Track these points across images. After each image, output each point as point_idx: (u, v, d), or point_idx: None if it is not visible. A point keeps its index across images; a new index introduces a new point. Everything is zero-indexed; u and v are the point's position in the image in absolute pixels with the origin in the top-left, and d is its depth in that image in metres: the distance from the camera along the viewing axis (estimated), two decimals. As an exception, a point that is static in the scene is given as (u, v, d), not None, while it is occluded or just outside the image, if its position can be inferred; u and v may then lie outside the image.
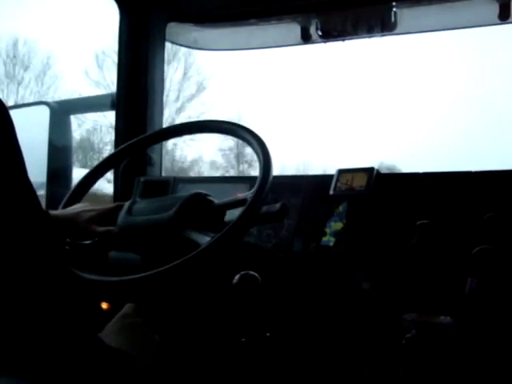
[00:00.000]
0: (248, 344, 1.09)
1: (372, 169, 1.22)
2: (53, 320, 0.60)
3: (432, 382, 0.86)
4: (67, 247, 1.18)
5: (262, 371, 1.11)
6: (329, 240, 1.22)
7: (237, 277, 1.09)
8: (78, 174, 1.55)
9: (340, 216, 1.23)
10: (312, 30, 1.61)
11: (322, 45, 1.65)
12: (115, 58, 1.70)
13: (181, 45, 1.85)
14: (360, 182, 1.21)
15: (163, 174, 1.74)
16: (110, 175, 1.63)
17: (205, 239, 1.03)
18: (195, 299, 1.29)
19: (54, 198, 1.56)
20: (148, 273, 1.00)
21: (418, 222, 1.08)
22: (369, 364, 1.10)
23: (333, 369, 1.16)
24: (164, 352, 0.86)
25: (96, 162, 1.38)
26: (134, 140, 1.36)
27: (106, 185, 1.87)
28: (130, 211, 1.19)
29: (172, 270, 0.99)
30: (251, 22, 1.69)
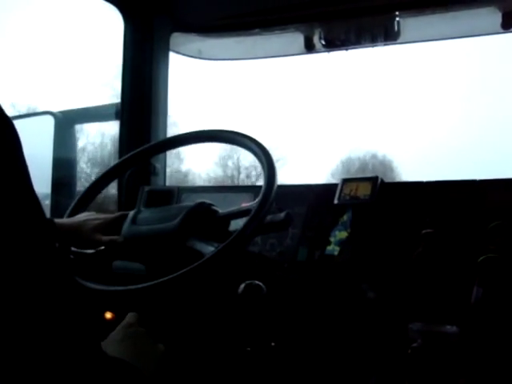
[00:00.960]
0: (253, 353, 1.09)
1: (376, 178, 1.22)
2: (55, 330, 0.60)
3: (438, 392, 0.86)
4: (72, 256, 1.18)
5: (267, 381, 1.10)
6: (333, 249, 1.22)
7: (242, 286, 1.08)
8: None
9: (344, 225, 1.22)
10: (315, 39, 1.61)
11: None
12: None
13: (185, 55, 1.86)
14: (364, 190, 1.21)
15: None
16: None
17: (209, 249, 1.03)
18: (200, 309, 1.29)
19: (58, 208, 1.56)
20: (153, 282, 1.00)
21: (423, 231, 1.08)
22: (375, 373, 1.09)
23: (338, 378, 1.15)
24: (168, 361, 0.86)
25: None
26: (138, 150, 1.36)
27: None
28: (134, 220, 1.19)
29: (177, 279, 0.99)
30: (255, 31, 1.69)
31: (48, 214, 1.55)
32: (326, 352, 1.17)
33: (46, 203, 1.59)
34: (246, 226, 1.01)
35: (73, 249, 1.19)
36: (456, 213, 1.13)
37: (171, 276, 0.99)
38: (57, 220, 1.18)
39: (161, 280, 1.00)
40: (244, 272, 1.18)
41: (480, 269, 0.96)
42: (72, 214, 1.25)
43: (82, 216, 1.22)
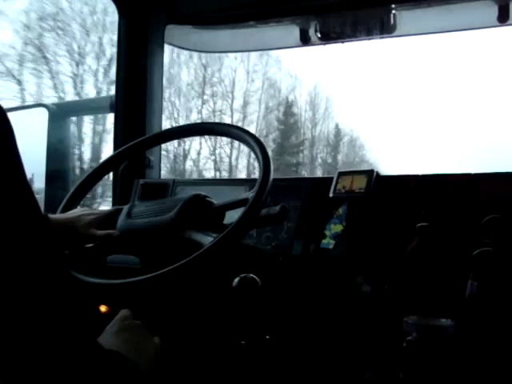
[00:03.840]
0: (248, 347, 1.09)
1: (372, 171, 1.22)
2: (51, 324, 0.60)
3: (433, 385, 0.86)
4: (67, 251, 1.18)
5: (262, 374, 1.10)
6: (328, 242, 1.22)
7: (236, 279, 1.08)
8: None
9: (340, 218, 1.22)
10: (311, 32, 1.61)
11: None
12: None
13: (180, 47, 1.85)
14: (360, 184, 1.21)
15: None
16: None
17: (208, 239, 1.03)
18: (195, 302, 1.29)
19: (52, 200, 1.56)
20: (154, 274, 1.00)
21: (418, 225, 1.08)
22: (370, 367, 1.09)
23: (333, 372, 1.16)
24: (163, 355, 0.86)
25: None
26: (132, 142, 1.35)
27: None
28: (129, 214, 1.19)
29: (177, 269, 0.98)
30: (250, 24, 1.69)
31: (42, 207, 1.54)
32: (321, 345, 1.18)
33: (40, 196, 1.58)
34: (244, 214, 1.01)
35: (67, 244, 1.19)
36: (451, 206, 1.13)
37: (172, 266, 0.99)
38: (51, 216, 1.17)
39: (161, 271, 0.99)
40: (239, 265, 1.18)
41: (475, 262, 0.96)
42: (66, 208, 1.25)
43: (76, 211, 1.21)
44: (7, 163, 0.59)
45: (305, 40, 1.62)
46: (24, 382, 0.59)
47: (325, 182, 1.27)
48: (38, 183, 1.59)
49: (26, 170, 0.62)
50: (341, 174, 1.26)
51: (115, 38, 1.66)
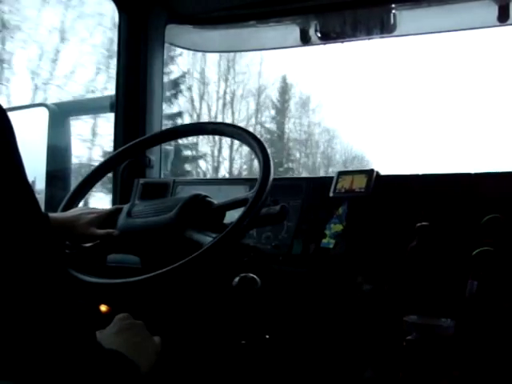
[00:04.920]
0: (248, 346, 1.09)
1: (372, 170, 1.22)
2: (51, 323, 0.60)
3: (433, 385, 0.86)
4: (67, 250, 1.18)
5: (262, 373, 1.10)
6: (328, 242, 1.22)
7: (236, 279, 1.09)
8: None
9: (340, 218, 1.22)
10: (311, 31, 1.61)
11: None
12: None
13: (180, 46, 1.85)
14: (360, 183, 1.21)
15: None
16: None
17: (207, 239, 1.03)
18: (195, 301, 1.29)
19: (52, 200, 1.56)
20: (154, 273, 1.00)
21: (418, 224, 1.08)
22: (370, 366, 1.09)
23: (333, 371, 1.16)
24: (164, 354, 0.86)
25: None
26: (133, 142, 1.35)
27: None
28: (129, 214, 1.19)
29: (177, 269, 0.98)
30: (250, 23, 1.69)
31: (42, 207, 1.54)
32: (321, 344, 1.18)
33: (41, 196, 1.58)
34: (244, 214, 1.01)
35: (68, 243, 1.19)
36: (451, 206, 1.13)
37: (171, 266, 0.99)
38: (51, 214, 1.17)
39: (161, 271, 1.00)
40: (239, 265, 1.18)
41: (475, 262, 0.97)
42: (66, 207, 1.25)
43: (76, 210, 1.21)
44: (7, 162, 0.60)
45: (305, 40, 1.62)
46: (24, 381, 0.59)
47: (325, 181, 1.27)
48: (39, 183, 1.59)
49: (26, 170, 0.62)
50: (341, 173, 1.26)
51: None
